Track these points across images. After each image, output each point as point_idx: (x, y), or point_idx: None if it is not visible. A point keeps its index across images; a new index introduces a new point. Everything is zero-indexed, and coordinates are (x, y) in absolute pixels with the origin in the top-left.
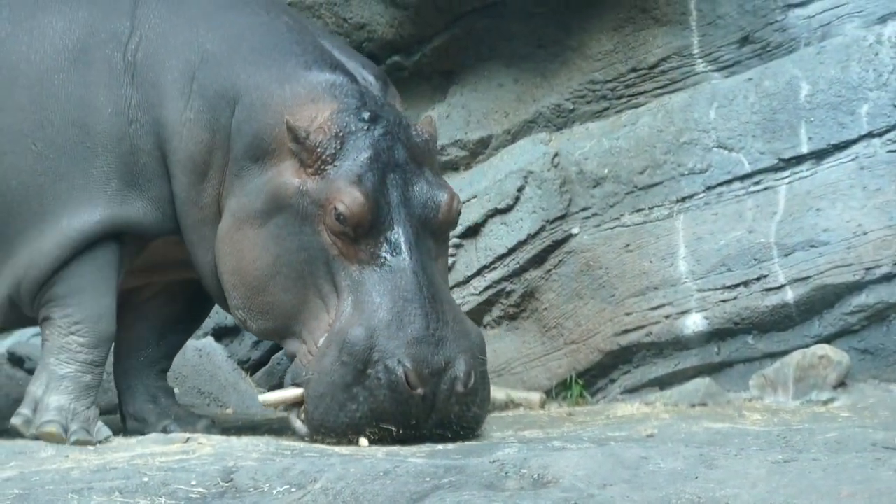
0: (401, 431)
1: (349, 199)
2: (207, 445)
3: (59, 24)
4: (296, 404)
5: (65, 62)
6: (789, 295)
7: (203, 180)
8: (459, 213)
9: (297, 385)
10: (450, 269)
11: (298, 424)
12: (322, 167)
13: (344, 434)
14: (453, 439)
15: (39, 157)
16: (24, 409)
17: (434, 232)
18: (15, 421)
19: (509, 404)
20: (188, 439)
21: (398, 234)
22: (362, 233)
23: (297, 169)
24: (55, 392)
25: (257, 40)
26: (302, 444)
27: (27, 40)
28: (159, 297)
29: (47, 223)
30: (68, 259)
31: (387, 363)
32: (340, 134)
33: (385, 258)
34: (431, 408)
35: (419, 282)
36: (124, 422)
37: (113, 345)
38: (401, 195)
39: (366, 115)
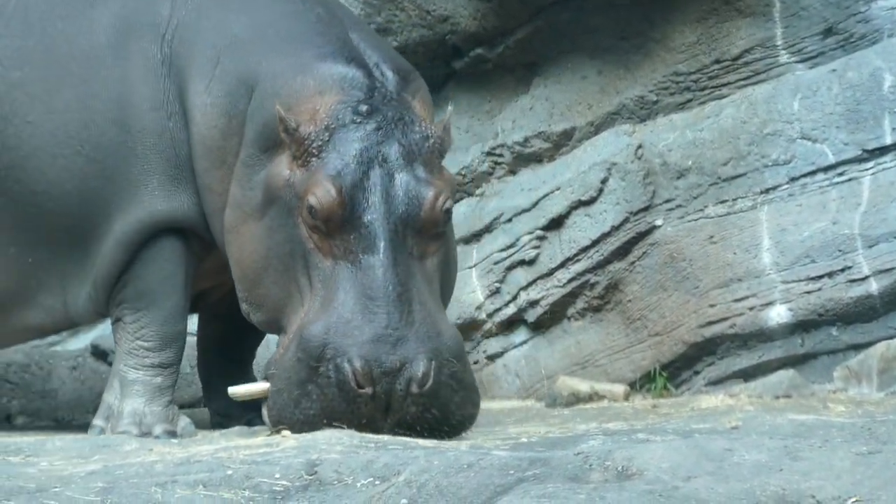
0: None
1: (321, 192)
2: (291, 438)
3: (104, 18)
4: (266, 398)
5: (106, 58)
6: (873, 286)
7: (220, 167)
8: (446, 212)
9: (266, 379)
10: (533, 260)
11: (266, 419)
12: (308, 159)
13: (300, 431)
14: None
15: (88, 161)
16: (98, 421)
17: (419, 230)
18: (91, 434)
19: (593, 396)
20: (272, 432)
21: (373, 230)
22: (335, 227)
23: (290, 161)
24: (128, 397)
25: (283, 28)
26: (386, 437)
27: (76, 37)
28: (233, 294)
29: (105, 226)
30: (128, 261)
31: (337, 361)
32: (331, 126)
33: (357, 254)
34: (386, 408)
35: (388, 279)
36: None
37: (196, 339)
38: (383, 191)
39: (363, 108)
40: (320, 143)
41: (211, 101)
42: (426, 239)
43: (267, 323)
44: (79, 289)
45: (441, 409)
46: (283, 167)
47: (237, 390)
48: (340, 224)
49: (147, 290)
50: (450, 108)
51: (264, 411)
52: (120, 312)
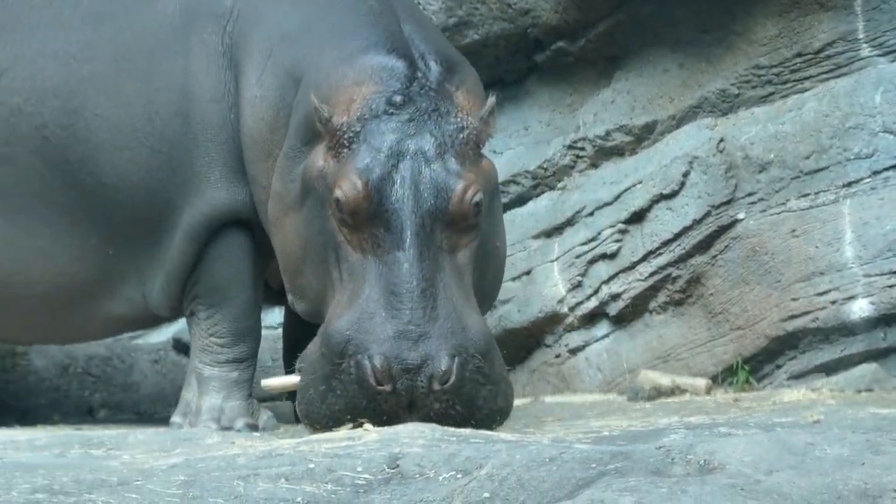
0: (375, 427)
1: (348, 185)
2: (373, 432)
3: (168, 9)
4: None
5: (169, 50)
6: None
7: (266, 159)
8: (477, 204)
9: (298, 371)
10: (615, 254)
11: (297, 411)
12: (339, 150)
13: (326, 425)
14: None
15: (153, 152)
16: (177, 418)
17: (448, 223)
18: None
19: (675, 390)
20: (354, 426)
21: (399, 224)
22: (362, 221)
23: (325, 152)
24: (205, 394)
25: (333, 21)
26: (467, 431)
27: (141, 30)
28: None
29: (172, 221)
30: (196, 254)
31: (357, 358)
32: (364, 117)
33: (384, 248)
34: (409, 405)
35: (412, 274)
36: None
37: (282, 330)
38: (411, 184)
39: (397, 98)
40: (352, 134)
41: (261, 94)
42: (457, 232)
43: (309, 313)
44: (153, 281)
45: (466, 405)
46: (318, 158)
47: (270, 382)
48: (367, 218)
49: (218, 287)
50: (491, 98)
51: (295, 404)
52: (194, 307)
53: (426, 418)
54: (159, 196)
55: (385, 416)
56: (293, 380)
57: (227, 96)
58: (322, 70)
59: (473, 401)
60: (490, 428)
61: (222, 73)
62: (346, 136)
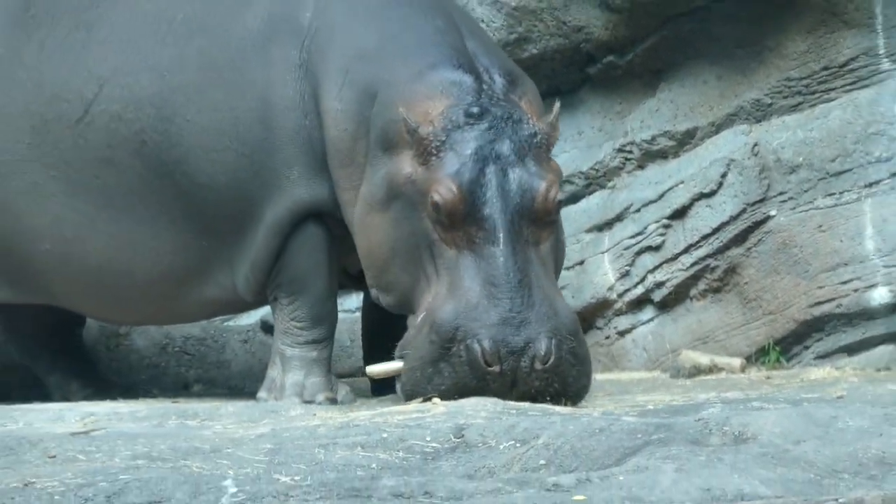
0: None
1: (444, 189)
2: (441, 405)
3: (251, 24)
4: (399, 375)
5: (251, 62)
6: None
7: (348, 165)
8: (558, 201)
9: (400, 357)
10: (659, 246)
11: (400, 393)
12: (428, 158)
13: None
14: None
15: (237, 155)
16: (263, 393)
17: (533, 219)
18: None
19: (713, 368)
20: (424, 400)
21: (492, 223)
22: (457, 220)
23: (411, 159)
24: (289, 371)
25: (404, 39)
26: (526, 405)
27: (226, 43)
28: None
29: (256, 216)
30: (279, 246)
31: (468, 342)
32: (448, 128)
33: (479, 244)
34: (512, 383)
35: (508, 267)
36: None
37: (360, 314)
38: (498, 186)
39: (475, 110)
40: (438, 143)
41: (342, 108)
42: (540, 227)
43: (397, 305)
44: (240, 270)
45: (561, 383)
46: (404, 165)
47: (374, 369)
48: (462, 218)
49: (298, 277)
50: (556, 105)
51: (398, 387)
52: (277, 294)
53: (525, 395)
54: (244, 194)
55: (491, 395)
56: (396, 365)
57: (302, 104)
58: (394, 86)
59: (566, 378)
60: (577, 403)
61: (298, 83)
62: (433, 145)
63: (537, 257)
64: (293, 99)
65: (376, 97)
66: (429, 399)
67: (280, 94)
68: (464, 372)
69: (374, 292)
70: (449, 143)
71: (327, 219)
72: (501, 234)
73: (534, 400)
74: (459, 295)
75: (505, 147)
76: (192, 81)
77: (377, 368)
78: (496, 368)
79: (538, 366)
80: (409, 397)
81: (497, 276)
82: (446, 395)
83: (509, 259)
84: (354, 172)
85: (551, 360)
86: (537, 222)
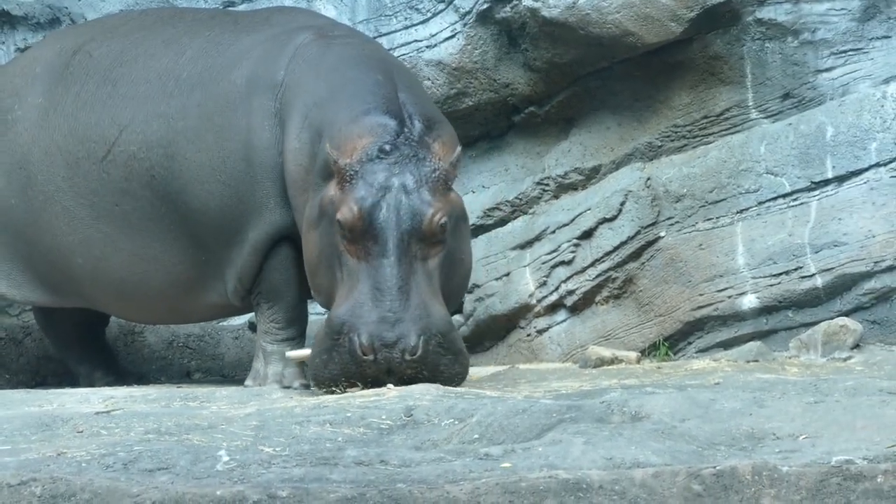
0: (363, 387)
1: (347, 210)
2: (394, 391)
3: (239, 80)
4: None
5: (238, 111)
6: (818, 281)
7: (302, 194)
8: (441, 225)
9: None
10: (570, 261)
11: (307, 375)
12: (344, 184)
13: (328, 385)
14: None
15: (225, 187)
16: (249, 381)
17: (421, 238)
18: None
19: (614, 360)
20: (348, 387)
21: (384, 239)
22: (357, 236)
23: (335, 186)
24: (270, 363)
25: (348, 90)
26: (462, 389)
27: (219, 95)
28: None
29: (241, 237)
30: (260, 262)
31: (350, 336)
32: (363, 160)
33: (373, 256)
34: (388, 371)
35: (392, 275)
36: None
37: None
38: (394, 209)
39: (387, 147)
40: (353, 172)
41: (299, 146)
42: (428, 245)
43: (325, 304)
44: (230, 281)
45: (431, 371)
46: (330, 190)
47: (291, 353)
48: (361, 234)
49: (274, 287)
50: (458, 149)
51: (307, 370)
52: (259, 300)
53: (401, 381)
54: (231, 219)
55: (369, 379)
56: (306, 352)
57: (276, 145)
58: (335, 127)
59: (437, 367)
60: (452, 385)
61: (273, 128)
62: (348, 174)
63: (423, 270)
64: (269, 140)
65: (322, 136)
66: (352, 385)
67: (259, 137)
68: (346, 360)
69: (313, 293)
70: (361, 173)
71: (297, 239)
72: (390, 249)
73: (408, 384)
74: (353, 296)
75: (406, 179)
76: (191, 127)
77: (293, 353)
78: (370, 357)
79: (407, 357)
80: (311, 378)
81: (382, 282)
82: (337, 378)
83: (394, 269)
84: (307, 200)
85: (419, 352)
86: (425, 241)
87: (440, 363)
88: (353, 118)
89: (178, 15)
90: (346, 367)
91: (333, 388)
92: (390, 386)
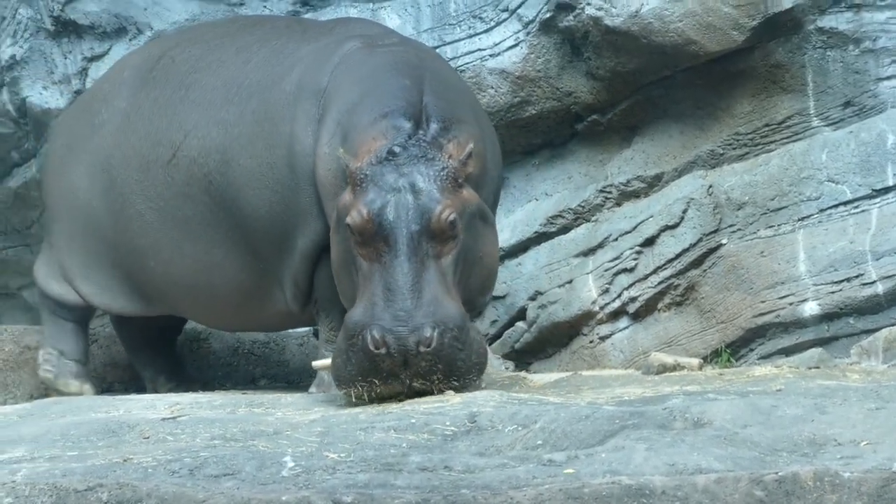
0: (381, 383)
1: (356, 213)
2: (457, 397)
3: (287, 87)
4: None
5: (284, 118)
6: (879, 288)
7: (333, 199)
8: (451, 222)
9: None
10: (633, 268)
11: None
12: (356, 188)
13: (348, 385)
14: (437, 389)
15: (273, 193)
16: (313, 387)
17: (432, 236)
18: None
19: (676, 367)
20: (366, 385)
21: (394, 240)
22: (367, 238)
23: (350, 189)
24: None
25: (375, 95)
26: (526, 395)
27: (269, 103)
28: None
29: (291, 243)
30: (312, 270)
31: (362, 333)
32: (373, 163)
33: (384, 257)
34: (403, 364)
35: (403, 275)
36: None
37: None
38: (405, 211)
39: (396, 149)
40: (363, 176)
41: (328, 152)
42: (440, 242)
43: (349, 308)
44: (288, 288)
45: (447, 364)
46: (347, 194)
47: (315, 364)
48: (371, 236)
49: (328, 296)
50: (470, 146)
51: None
52: (316, 310)
53: (417, 374)
54: (280, 226)
55: (385, 373)
56: (329, 360)
57: (314, 152)
58: (357, 130)
59: (453, 361)
60: (469, 381)
61: (315, 134)
62: (359, 178)
63: (436, 268)
64: (311, 147)
65: (346, 140)
66: (369, 383)
67: (301, 144)
68: (360, 357)
69: (341, 299)
70: (371, 176)
71: None
72: (401, 249)
73: (425, 378)
74: (367, 298)
75: (414, 178)
76: (246, 133)
77: (318, 363)
78: (383, 351)
79: (423, 349)
80: (334, 379)
81: (393, 282)
82: (356, 377)
83: (405, 268)
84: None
85: (433, 343)
86: (436, 238)
87: (457, 357)
88: (371, 122)
89: (259, 23)
90: (361, 364)
91: (353, 388)
92: (450, 393)
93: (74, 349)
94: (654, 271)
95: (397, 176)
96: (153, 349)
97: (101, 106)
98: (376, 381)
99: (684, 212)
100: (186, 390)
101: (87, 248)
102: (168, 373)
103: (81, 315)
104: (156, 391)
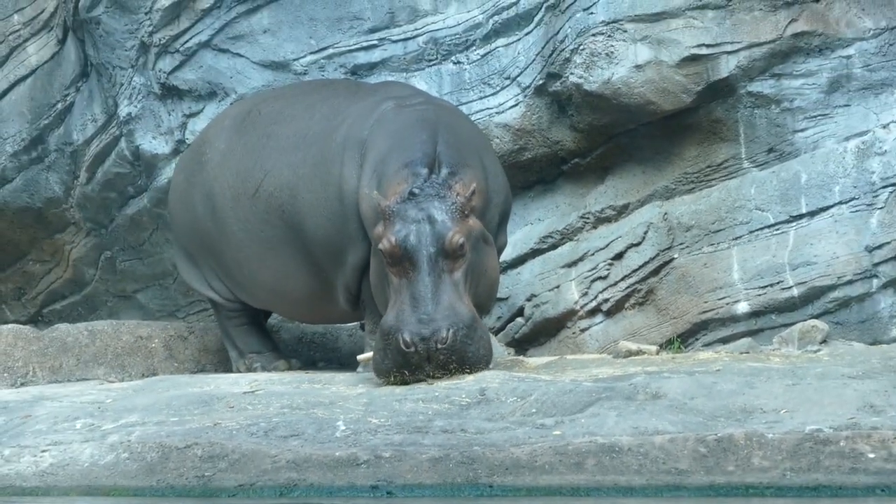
0: (410, 374)
1: (386, 241)
2: (471, 376)
3: (338, 137)
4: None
5: (335, 161)
6: (795, 292)
7: (372, 228)
8: (460, 244)
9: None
10: (606, 277)
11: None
12: (386, 221)
13: (385, 375)
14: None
15: (328, 221)
16: (360, 369)
17: (446, 256)
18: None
19: (639, 352)
20: (399, 375)
21: (416, 260)
22: (396, 260)
23: (382, 222)
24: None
25: (400, 147)
26: (524, 374)
27: (324, 149)
28: None
29: (343, 259)
30: (360, 279)
31: (395, 335)
32: (398, 202)
33: (410, 274)
34: (427, 359)
35: (425, 287)
36: None
37: None
38: (424, 237)
39: (416, 190)
40: (391, 212)
41: (368, 192)
42: (452, 260)
43: (383, 312)
44: (343, 292)
45: (459, 355)
46: (380, 226)
47: (360, 357)
48: (399, 259)
49: (371, 299)
50: (473, 185)
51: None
52: (363, 307)
53: (437, 365)
54: (334, 245)
55: (413, 366)
56: (371, 354)
57: (358, 188)
58: (386, 176)
59: (465, 352)
60: (480, 368)
61: (358, 176)
62: (388, 213)
63: (450, 280)
64: (356, 186)
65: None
66: (401, 374)
67: (348, 183)
68: (395, 353)
69: (378, 307)
70: (396, 212)
71: None
72: (422, 267)
73: (444, 368)
74: (397, 307)
75: (431, 212)
76: (307, 174)
77: (362, 356)
78: (412, 349)
79: (439, 346)
80: (374, 371)
81: (417, 293)
82: (391, 369)
83: (427, 282)
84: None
85: (448, 341)
86: (449, 257)
87: (467, 350)
88: (396, 170)
89: (329, 85)
90: (395, 359)
91: (389, 378)
92: (466, 372)
93: (258, 344)
94: (623, 279)
95: (417, 211)
96: (254, 332)
97: (207, 147)
98: (406, 372)
99: (645, 233)
100: (274, 360)
101: (205, 258)
102: (258, 351)
103: (249, 316)
104: (248, 368)
